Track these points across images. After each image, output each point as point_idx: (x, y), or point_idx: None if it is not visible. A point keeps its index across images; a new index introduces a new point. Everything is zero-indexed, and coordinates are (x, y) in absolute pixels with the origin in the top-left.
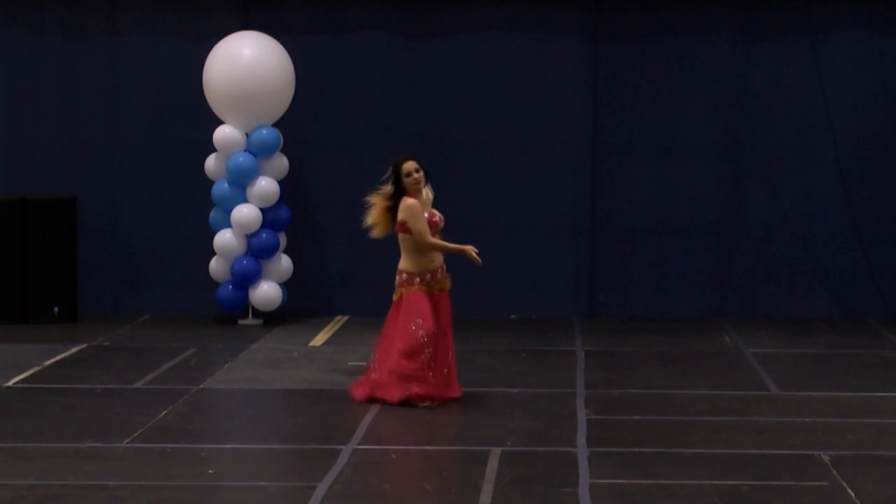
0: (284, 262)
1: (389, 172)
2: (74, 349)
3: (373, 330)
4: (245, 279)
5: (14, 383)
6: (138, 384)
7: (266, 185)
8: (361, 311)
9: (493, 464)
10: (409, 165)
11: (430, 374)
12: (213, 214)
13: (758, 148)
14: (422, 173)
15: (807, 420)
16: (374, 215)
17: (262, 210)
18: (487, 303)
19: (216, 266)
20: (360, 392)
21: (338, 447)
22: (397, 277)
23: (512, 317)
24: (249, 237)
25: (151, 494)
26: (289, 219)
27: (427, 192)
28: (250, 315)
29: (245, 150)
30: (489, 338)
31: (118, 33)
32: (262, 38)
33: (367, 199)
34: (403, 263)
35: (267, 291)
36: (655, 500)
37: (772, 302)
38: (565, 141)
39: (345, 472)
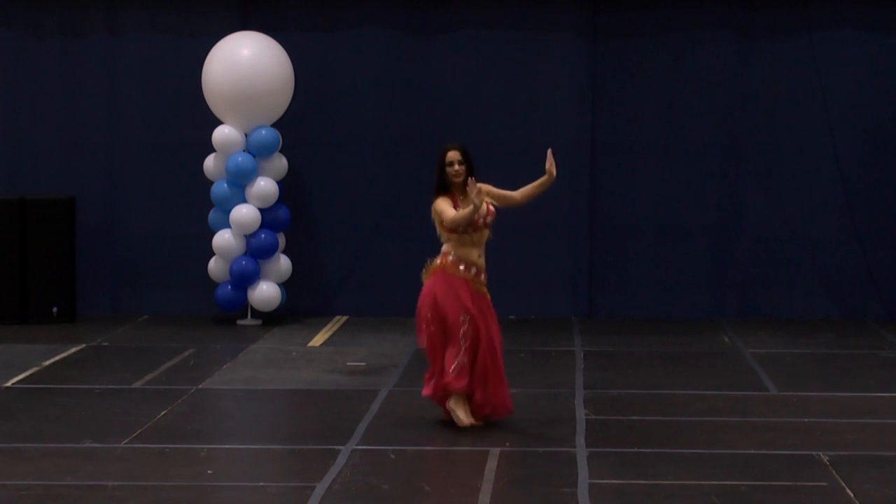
0: (283, 263)
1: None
2: (73, 349)
3: (372, 330)
4: (244, 279)
5: (13, 384)
6: (137, 384)
7: (265, 186)
8: (360, 311)
9: (492, 464)
10: (452, 155)
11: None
12: (212, 215)
13: (757, 147)
14: (464, 167)
15: (806, 420)
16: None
17: (262, 210)
18: None
19: (215, 266)
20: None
21: (337, 447)
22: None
23: (511, 317)
24: (248, 237)
25: (150, 495)
26: (288, 219)
27: (473, 188)
28: (249, 315)
29: (244, 151)
30: None
31: (117, 33)
32: (262, 38)
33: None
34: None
35: (266, 292)
36: (654, 501)
37: (771, 302)
38: (564, 140)
39: (344, 473)
